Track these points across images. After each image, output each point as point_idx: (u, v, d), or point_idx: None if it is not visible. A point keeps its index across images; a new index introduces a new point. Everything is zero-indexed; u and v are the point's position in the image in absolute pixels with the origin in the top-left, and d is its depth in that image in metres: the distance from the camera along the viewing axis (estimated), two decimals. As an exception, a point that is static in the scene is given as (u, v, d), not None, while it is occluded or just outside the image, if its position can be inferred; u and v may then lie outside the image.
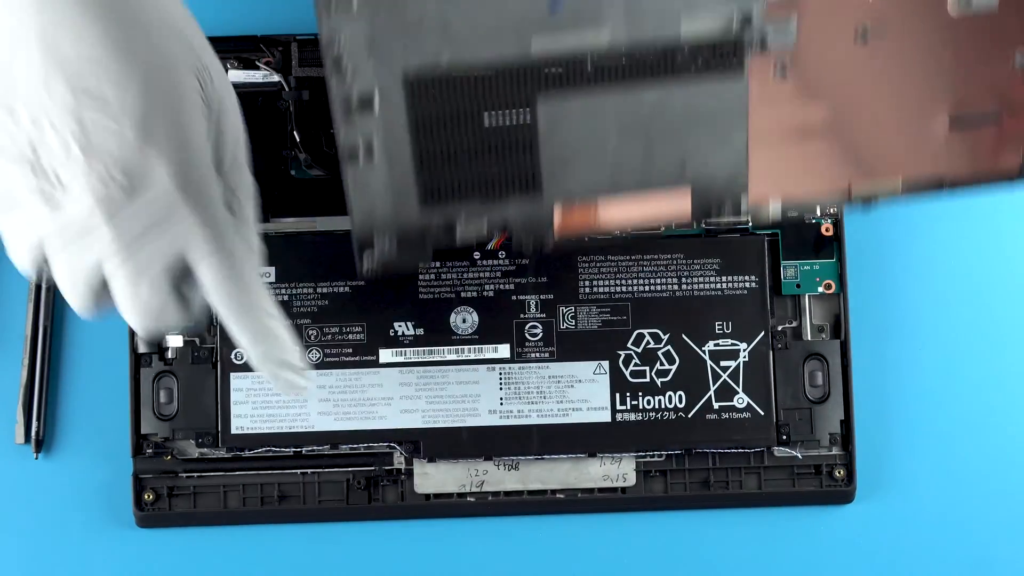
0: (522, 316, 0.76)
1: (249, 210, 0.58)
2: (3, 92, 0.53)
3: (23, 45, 0.52)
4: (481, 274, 0.76)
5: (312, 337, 0.76)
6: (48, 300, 0.78)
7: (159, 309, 0.56)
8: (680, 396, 0.76)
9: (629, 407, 0.76)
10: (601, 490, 0.76)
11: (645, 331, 0.76)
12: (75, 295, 0.56)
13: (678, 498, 0.76)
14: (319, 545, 0.76)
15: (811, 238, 0.77)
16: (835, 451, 0.76)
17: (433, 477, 0.76)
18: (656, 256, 0.77)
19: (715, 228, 0.77)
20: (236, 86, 0.77)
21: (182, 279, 0.56)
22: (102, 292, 0.56)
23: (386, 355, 0.76)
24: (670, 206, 0.61)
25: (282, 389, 0.59)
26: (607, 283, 0.76)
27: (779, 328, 0.77)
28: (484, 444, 0.76)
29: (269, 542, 0.76)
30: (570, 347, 0.76)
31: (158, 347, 0.77)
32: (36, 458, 0.77)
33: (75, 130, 0.53)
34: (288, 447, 0.76)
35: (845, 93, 0.59)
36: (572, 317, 0.76)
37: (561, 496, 0.76)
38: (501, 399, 0.76)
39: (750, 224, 0.77)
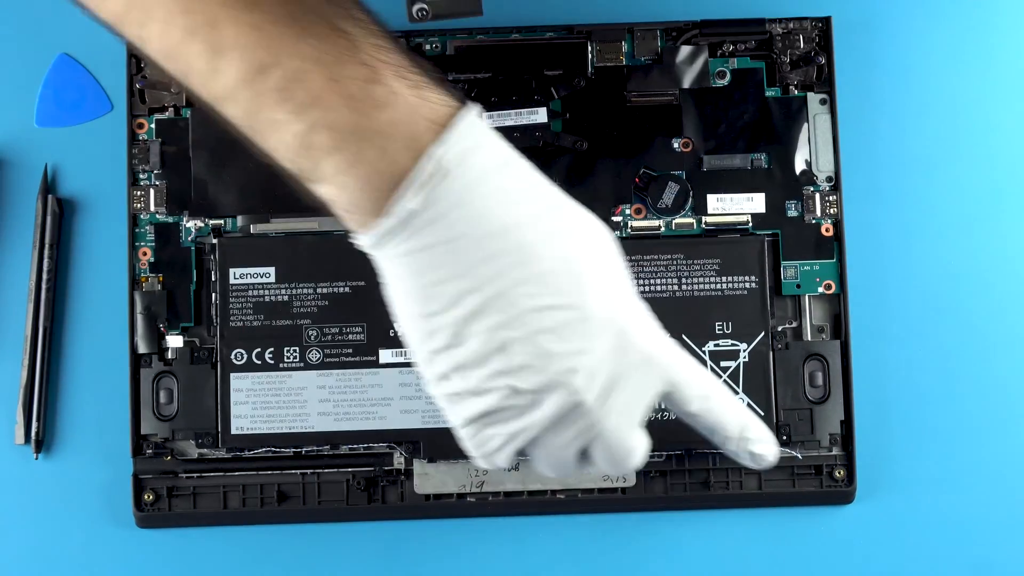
0: (522, 316, 0.76)
1: None
2: (458, 326, 0.59)
3: (457, 282, 0.59)
4: (481, 274, 0.76)
5: (312, 337, 0.76)
6: (48, 300, 0.78)
7: (637, 455, 0.62)
8: (680, 396, 0.76)
9: (629, 407, 0.76)
10: (601, 490, 0.76)
11: (645, 331, 0.76)
12: (562, 469, 0.62)
13: (678, 499, 0.76)
14: (319, 545, 0.76)
15: (811, 238, 0.77)
16: (835, 451, 0.76)
17: (433, 477, 0.76)
18: (656, 256, 0.76)
19: (715, 228, 0.77)
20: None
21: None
22: (581, 459, 0.62)
23: (386, 355, 0.76)
24: None
25: (755, 464, 0.65)
26: (607, 283, 0.76)
27: (779, 328, 0.77)
28: (484, 444, 0.76)
29: (269, 542, 0.76)
30: (570, 347, 0.76)
31: (158, 347, 0.77)
32: (36, 458, 0.77)
33: (536, 340, 0.59)
34: (288, 447, 0.76)
35: None
36: (572, 317, 0.76)
37: (561, 496, 0.76)
38: (501, 399, 0.76)
39: (750, 224, 0.77)
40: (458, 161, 0.58)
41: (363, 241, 0.59)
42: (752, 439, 0.63)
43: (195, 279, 0.77)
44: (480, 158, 0.59)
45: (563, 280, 0.59)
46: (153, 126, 0.78)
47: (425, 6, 0.62)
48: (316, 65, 0.57)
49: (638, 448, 0.61)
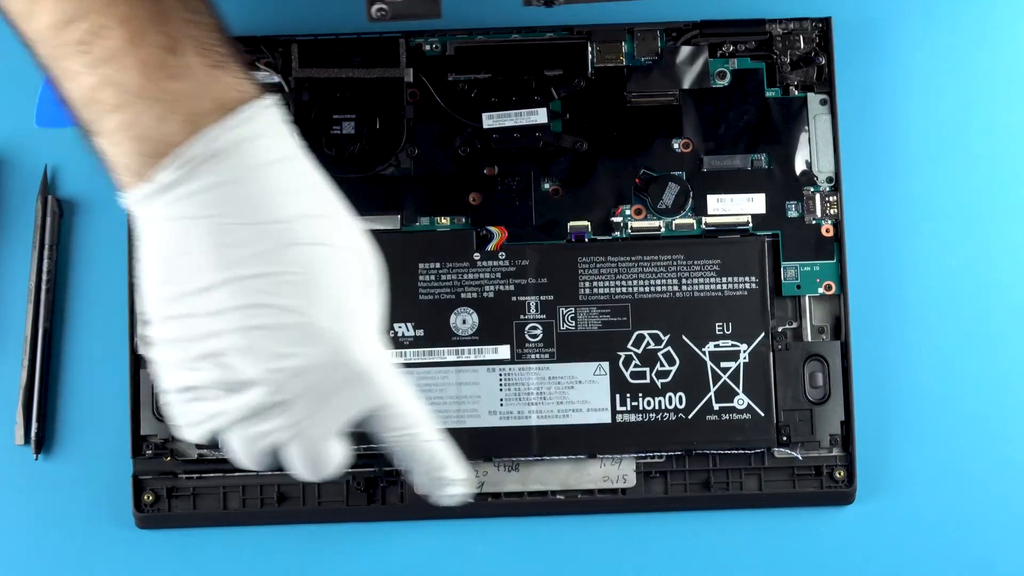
0: (522, 317, 0.76)
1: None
2: (190, 298, 0.60)
3: (202, 257, 0.59)
4: (481, 275, 0.76)
5: (312, 338, 0.76)
6: (48, 300, 0.78)
7: (331, 464, 0.62)
8: (680, 397, 0.76)
9: (629, 408, 0.76)
10: (601, 491, 0.76)
11: (645, 332, 0.76)
12: (250, 461, 0.63)
13: (678, 499, 0.76)
14: (319, 546, 0.76)
15: (811, 239, 0.77)
16: (835, 452, 0.76)
17: (433, 478, 0.76)
18: (656, 257, 0.76)
19: (715, 229, 0.77)
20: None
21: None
22: (273, 455, 0.63)
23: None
24: None
25: (444, 501, 0.66)
26: (607, 284, 0.76)
27: (779, 329, 0.77)
28: (484, 445, 0.76)
29: (269, 543, 0.76)
30: (570, 348, 0.76)
31: (158, 348, 0.77)
32: (36, 459, 0.77)
33: (252, 334, 0.60)
34: (288, 448, 0.76)
35: None
36: (572, 318, 0.76)
37: (561, 497, 0.76)
38: (501, 400, 0.76)
39: (750, 225, 0.77)
40: (232, 146, 0.59)
41: (124, 200, 0.60)
42: (445, 479, 0.65)
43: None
44: (258, 148, 0.60)
45: (299, 285, 0.60)
46: (153, 126, 0.78)
47: (384, 6, 0.63)
48: (120, 25, 0.58)
49: (333, 457, 0.62)
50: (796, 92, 0.78)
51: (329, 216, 0.62)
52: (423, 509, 0.76)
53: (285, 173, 0.61)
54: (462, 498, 0.66)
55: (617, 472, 0.76)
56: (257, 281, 0.59)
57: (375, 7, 0.63)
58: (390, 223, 0.77)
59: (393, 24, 0.67)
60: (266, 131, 0.60)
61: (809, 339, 0.77)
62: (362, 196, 0.77)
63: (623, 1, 0.69)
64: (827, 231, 0.77)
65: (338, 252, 0.61)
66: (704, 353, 0.76)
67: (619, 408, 0.76)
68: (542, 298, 0.76)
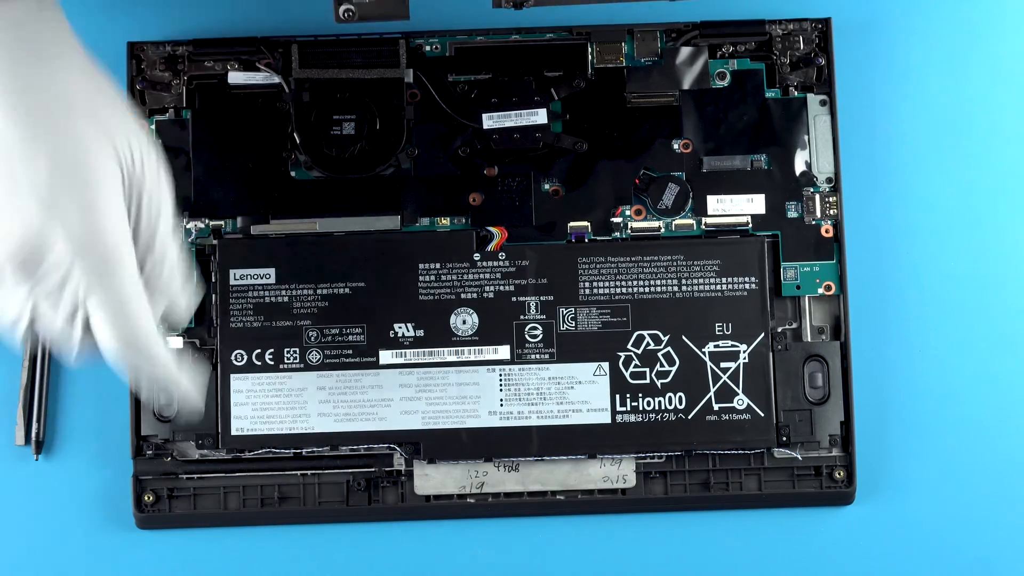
0: (522, 317, 0.76)
1: (170, 274, 0.64)
2: None
3: None
4: (481, 275, 0.76)
5: (312, 338, 0.76)
6: (48, 301, 0.78)
7: (66, 341, 0.62)
8: (680, 397, 0.76)
9: (629, 408, 0.76)
10: (601, 491, 0.76)
11: (645, 332, 0.76)
12: None
13: (678, 499, 0.76)
14: (319, 547, 0.76)
15: (811, 239, 0.77)
16: (835, 452, 0.76)
17: (433, 478, 0.76)
18: (656, 257, 0.77)
19: (715, 229, 0.77)
20: (236, 88, 0.78)
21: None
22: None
23: (386, 356, 0.76)
24: None
25: (167, 412, 0.68)
26: (607, 284, 0.76)
27: (779, 329, 0.77)
28: (484, 445, 0.76)
29: (269, 544, 0.76)
30: (570, 348, 0.76)
31: (158, 348, 0.77)
32: (36, 459, 0.77)
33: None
34: (288, 448, 0.76)
35: None
36: (572, 318, 0.76)
37: (561, 497, 0.76)
38: (501, 400, 0.76)
39: (750, 225, 0.77)
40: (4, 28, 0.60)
41: None
42: (154, 384, 0.64)
43: (195, 280, 0.77)
44: (36, 34, 0.60)
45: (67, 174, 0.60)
46: (153, 127, 0.78)
47: (352, 7, 0.63)
48: None
49: (59, 335, 0.61)
50: (796, 93, 0.78)
51: (105, 118, 0.61)
52: (423, 509, 0.76)
53: (67, 64, 0.61)
54: (192, 413, 0.66)
55: (617, 472, 0.76)
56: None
57: (342, 8, 0.63)
58: (390, 223, 0.77)
59: (358, 25, 0.67)
60: (44, 22, 0.61)
61: (809, 339, 0.77)
62: (362, 196, 0.77)
63: (594, 4, 0.68)
64: (827, 231, 0.77)
65: (110, 154, 0.61)
66: (704, 353, 0.76)
67: (619, 408, 0.76)
68: (542, 298, 0.76)
